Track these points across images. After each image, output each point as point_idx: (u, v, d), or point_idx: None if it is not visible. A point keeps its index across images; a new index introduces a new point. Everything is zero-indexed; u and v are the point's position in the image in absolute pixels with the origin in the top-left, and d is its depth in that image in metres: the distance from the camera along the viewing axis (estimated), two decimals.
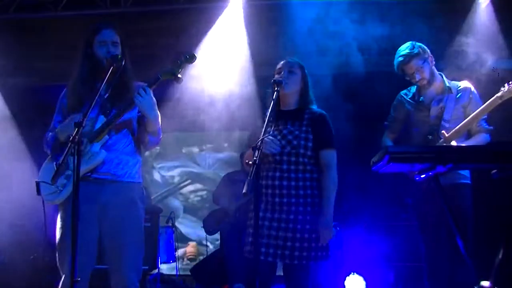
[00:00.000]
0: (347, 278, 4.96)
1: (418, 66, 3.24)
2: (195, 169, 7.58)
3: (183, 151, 7.65)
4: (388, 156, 2.03)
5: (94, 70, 2.65)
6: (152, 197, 7.17)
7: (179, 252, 6.75)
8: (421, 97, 3.35)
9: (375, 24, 5.77)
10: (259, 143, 2.52)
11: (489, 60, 4.72)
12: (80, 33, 2.78)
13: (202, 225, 5.70)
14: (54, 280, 2.58)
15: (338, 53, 5.75)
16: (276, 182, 2.86)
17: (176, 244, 6.15)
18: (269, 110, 2.74)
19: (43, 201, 2.58)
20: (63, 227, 2.58)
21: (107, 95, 2.65)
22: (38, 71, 6.15)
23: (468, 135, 3.26)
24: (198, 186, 7.50)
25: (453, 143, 3.10)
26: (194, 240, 7.20)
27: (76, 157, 2.20)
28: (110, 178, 2.60)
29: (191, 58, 2.62)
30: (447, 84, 3.31)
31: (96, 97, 2.39)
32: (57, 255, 2.58)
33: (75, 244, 2.15)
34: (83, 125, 2.23)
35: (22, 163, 5.30)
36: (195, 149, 7.64)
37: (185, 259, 7.07)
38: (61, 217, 2.61)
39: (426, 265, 3.22)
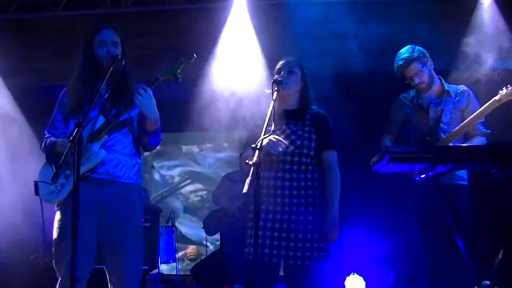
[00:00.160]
0: (347, 278, 4.96)
1: (418, 69, 3.27)
2: (195, 169, 7.57)
3: (183, 150, 7.64)
4: (388, 156, 2.04)
5: (94, 70, 2.65)
6: (151, 197, 7.18)
7: (179, 254, 6.75)
8: (420, 100, 3.38)
9: (376, 23, 5.77)
10: (259, 143, 2.52)
11: (491, 59, 4.72)
12: (80, 33, 2.78)
13: (202, 226, 5.70)
14: (54, 280, 2.57)
15: (338, 53, 5.75)
16: (278, 182, 2.86)
17: (176, 244, 6.16)
18: (269, 110, 2.74)
19: (41, 202, 2.58)
20: (61, 227, 2.57)
21: (107, 95, 2.65)
22: (38, 71, 6.15)
23: (465, 138, 3.27)
24: (198, 186, 7.49)
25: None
26: (194, 240, 7.20)
27: (76, 157, 2.20)
28: (109, 179, 2.60)
29: (190, 58, 2.63)
30: (446, 88, 3.33)
31: (96, 97, 2.39)
32: (54, 255, 2.57)
33: (75, 244, 2.15)
34: (83, 125, 2.23)
35: (22, 163, 5.29)
36: (195, 148, 7.63)
37: (185, 259, 7.08)
38: (59, 217, 2.60)
39: (425, 265, 3.22)
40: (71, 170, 2.49)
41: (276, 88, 2.82)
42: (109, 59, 2.55)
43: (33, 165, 2.74)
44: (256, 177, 2.44)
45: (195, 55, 2.61)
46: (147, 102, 2.53)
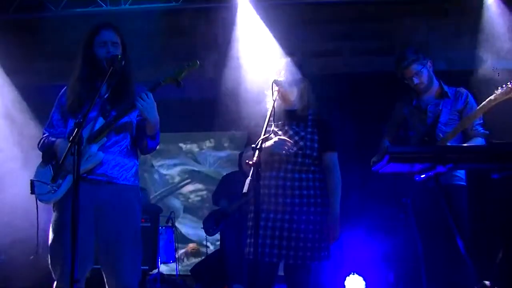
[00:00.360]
0: (347, 278, 4.96)
1: (417, 70, 3.32)
2: (196, 167, 7.56)
3: (183, 149, 7.62)
4: (388, 156, 2.04)
5: (94, 70, 2.65)
6: (151, 196, 7.17)
7: (180, 252, 6.75)
8: (419, 101, 3.42)
9: (376, 23, 5.77)
10: (259, 143, 2.52)
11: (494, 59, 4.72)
12: (80, 33, 2.78)
13: (202, 226, 5.71)
14: (54, 281, 2.57)
15: (339, 53, 5.75)
16: (280, 182, 2.87)
17: (176, 244, 6.16)
18: (270, 110, 2.75)
19: (36, 201, 2.58)
20: (57, 227, 2.55)
21: (106, 95, 2.65)
22: (38, 71, 6.15)
23: (464, 139, 3.28)
24: (198, 186, 7.49)
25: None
26: (194, 241, 7.20)
27: (76, 157, 2.20)
28: (106, 180, 2.59)
29: (194, 65, 2.62)
30: (445, 89, 3.38)
31: (96, 98, 2.39)
32: (49, 257, 2.55)
33: (75, 244, 2.14)
34: (83, 125, 2.23)
35: (22, 162, 5.29)
36: (195, 147, 7.62)
37: (185, 258, 7.08)
38: (55, 218, 2.59)
39: (424, 265, 3.23)
40: (68, 170, 2.48)
41: (276, 88, 2.83)
42: (109, 59, 2.55)
43: (33, 165, 2.74)
44: (256, 177, 2.44)
45: (198, 62, 2.61)
46: (149, 107, 2.53)
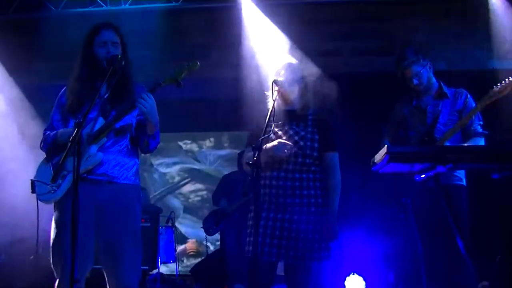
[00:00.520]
0: (347, 278, 4.97)
1: (417, 71, 3.34)
2: (196, 166, 7.54)
3: (183, 147, 7.61)
4: (388, 156, 2.04)
5: (94, 70, 2.64)
6: (151, 196, 7.17)
7: (179, 250, 6.75)
8: (419, 102, 3.43)
9: (376, 24, 5.77)
10: (259, 143, 2.52)
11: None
12: (80, 33, 2.78)
13: (202, 226, 5.71)
14: (54, 280, 2.57)
15: (340, 53, 5.75)
16: (280, 182, 2.87)
17: (176, 244, 6.16)
18: (270, 110, 2.75)
19: (37, 201, 2.58)
20: (58, 227, 2.56)
21: (106, 95, 2.64)
22: (38, 71, 6.15)
23: (463, 139, 3.28)
24: (198, 186, 7.48)
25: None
26: (195, 239, 7.20)
27: (76, 157, 2.20)
28: (106, 180, 2.59)
29: (194, 66, 2.61)
30: (444, 90, 3.39)
31: (96, 98, 2.39)
32: (51, 256, 2.56)
33: (74, 244, 2.14)
34: (83, 125, 2.23)
35: (22, 162, 5.29)
36: (195, 146, 7.61)
37: (185, 258, 7.08)
38: (56, 217, 2.59)
39: (424, 265, 3.23)
40: (68, 170, 2.49)
41: (276, 89, 2.83)
42: (109, 59, 2.55)
43: (33, 165, 2.74)
44: (256, 177, 2.44)
45: (198, 63, 2.61)
46: (150, 108, 2.53)
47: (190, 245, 7.14)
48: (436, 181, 2.19)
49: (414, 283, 3.26)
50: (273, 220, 2.84)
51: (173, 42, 5.83)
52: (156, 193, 7.46)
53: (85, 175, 2.53)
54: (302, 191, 2.86)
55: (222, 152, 7.50)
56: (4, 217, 5.24)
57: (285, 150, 2.81)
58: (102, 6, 5.59)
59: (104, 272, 2.61)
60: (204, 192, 7.41)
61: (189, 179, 7.51)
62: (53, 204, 2.61)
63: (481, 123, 3.27)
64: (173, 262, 6.07)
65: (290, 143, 2.84)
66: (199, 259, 6.53)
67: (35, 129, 5.39)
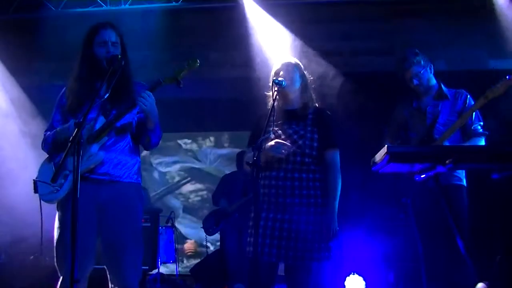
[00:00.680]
0: (347, 278, 4.96)
1: (417, 72, 3.35)
2: (196, 165, 7.52)
3: (183, 146, 7.60)
4: (388, 156, 2.04)
5: (93, 70, 2.64)
6: (151, 195, 7.16)
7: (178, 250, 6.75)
8: (419, 103, 3.45)
9: (376, 24, 5.77)
10: (259, 143, 2.52)
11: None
12: (80, 32, 2.78)
13: (202, 226, 5.71)
14: (54, 280, 2.58)
15: (339, 53, 5.75)
16: (280, 182, 2.86)
17: (176, 245, 6.16)
18: (270, 110, 2.75)
19: (40, 201, 2.58)
20: (61, 227, 2.57)
21: (107, 95, 2.64)
22: (38, 71, 6.16)
23: (463, 139, 3.28)
24: (198, 186, 7.48)
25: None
26: (194, 241, 7.19)
27: (76, 157, 2.20)
28: (108, 179, 2.60)
29: (194, 64, 2.61)
30: (444, 91, 3.40)
31: (96, 98, 2.39)
32: (55, 255, 2.58)
33: (74, 244, 2.15)
34: (83, 125, 2.23)
35: (22, 161, 5.29)
36: (195, 146, 7.60)
37: (185, 259, 7.07)
38: (59, 217, 2.60)
39: (424, 265, 3.23)
40: (70, 170, 2.49)
41: (276, 89, 2.83)
42: (109, 59, 2.55)
43: (33, 165, 2.74)
44: (256, 177, 2.44)
45: (198, 61, 2.60)
46: (151, 106, 2.54)
47: (188, 245, 7.14)
48: (436, 181, 2.19)
49: (414, 283, 3.26)
50: (272, 221, 2.84)
51: (173, 42, 5.83)
52: (156, 192, 7.45)
53: (87, 174, 2.53)
54: (302, 191, 2.85)
55: (223, 151, 7.48)
56: (4, 217, 5.24)
57: (283, 151, 2.80)
58: (102, 6, 5.58)
59: (106, 271, 2.62)
60: (204, 192, 7.40)
61: (189, 178, 7.50)
62: (55, 204, 2.62)
63: (482, 123, 3.28)
64: (173, 262, 6.07)
65: (288, 143, 2.83)
66: (199, 259, 6.53)
67: (36, 129, 5.39)
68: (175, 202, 7.42)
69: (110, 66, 2.50)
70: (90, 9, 5.63)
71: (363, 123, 5.09)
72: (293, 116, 2.98)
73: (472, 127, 3.25)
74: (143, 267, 2.77)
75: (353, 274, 4.97)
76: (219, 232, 5.59)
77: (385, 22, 5.75)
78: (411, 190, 3.22)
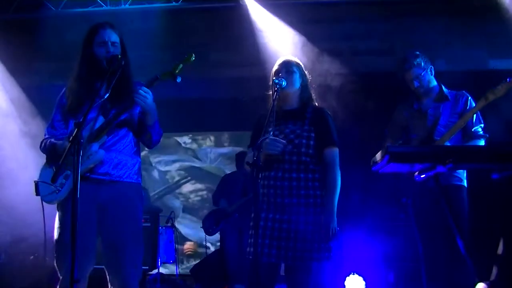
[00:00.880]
0: (347, 278, 4.96)
1: (418, 74, 3.37)
2: (196, 164, 7.51)
3: (183, 145, 7.58)
4: (388, 156, 2.03)
5: (93, 70, 2.65)
6: (150, 195, 7.16)
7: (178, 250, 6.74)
8: (419, 105, 3.46)
9: (376, 24, 5.76)
10: (259, 143, 2.51)
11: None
12: (80, 32, 2.78)
13: (201, 226, 5.71)
14: (54, 280, 2.58)
15: (339, 53, 5.75)
16: (278, 182, 2.86)
17: (176, 244, 6.16)
18: (270, 110, 2.75)
19: (42, 202, 2.58)
20: (61, 227, 2.57)
21: (107, 95, 2.64)
22: (38, 71, 6.15)
23: (463, 141, 3.29)
24: (198, 185, 7.47)
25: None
26: (194, 241, 7.19)
27: (76, 157, 2.20)
28: (109, 179, 2.60)
29: (189, 58, 2.61)
30: (445, 92, 3.41)
31: (96, 98, 2.39)
32: (55, 255, 2.58)
33: (74, 244, 2.15)
34: (83, 125, 2.23)
35: (22, 161, 5.29)
36: (195, 145, 7.59)
37: (185, 259, 7.07)
38: (60, 217, 2.60)
39: (424, 265, 3.23)
40: (71, 170, 2.49)
41: (276, 89, 2.83)
42: (108, 59, 2.55)
43: (33, 165, 2.74)
44: (255, 177, 2.44)
45: (193, 55, 2.60)
46: (150, 102, 2.54)
47: (187, 245, 7.14)
48: (436, 181, 2.19)
49: (414, 283, 3.26)
50: (272, 221, 2.84)
51: (173, 42, 5.83)
52: (155, 192, 7.44)
53: (88, 174, 2.54)
54: (300, 191, 2.84)
55: (223, 150, 7.46)
56: (4, 217, 5.24)
57: (277, 148, 2.79)
58: (102, 6, 5.59)
59: (106, 271, 2.62)
60: (204, 192, 7.40)
61: (189, 178, 7.49)
62: (56, 204, 2.62)
63: (482, 125, 3.28)
64: (173, 262, 6.07)
65: (281, 140, 2.82)
66: (199, 260, 6.53)
67: (36, 129, 5.40)
68: (175, 202, 7.42)
69: (110, 66, 2.51)
70: (90, 9, 5.64)
71: (363, 123, 5.09)
72: (291, 116, 2.97)
73: (473, 129, 3.25)
74: (143, 267, 2.77)
75: (353, 274, 4.97)
76: (219, 232, 5.59)
77: (385, 22, 5.75)
78: (411, 190, 3.23)
